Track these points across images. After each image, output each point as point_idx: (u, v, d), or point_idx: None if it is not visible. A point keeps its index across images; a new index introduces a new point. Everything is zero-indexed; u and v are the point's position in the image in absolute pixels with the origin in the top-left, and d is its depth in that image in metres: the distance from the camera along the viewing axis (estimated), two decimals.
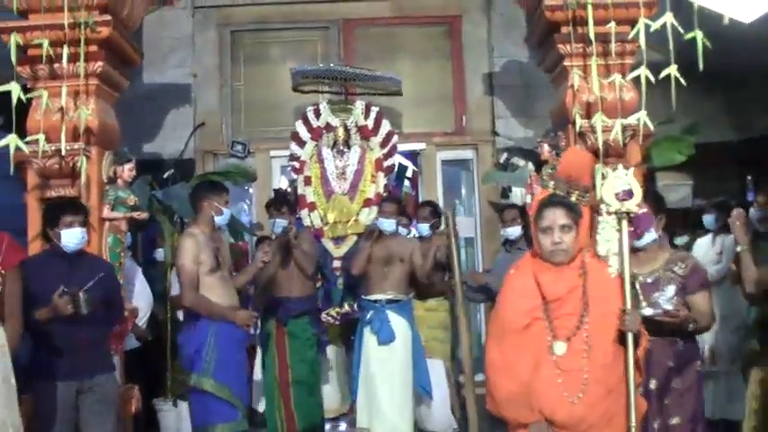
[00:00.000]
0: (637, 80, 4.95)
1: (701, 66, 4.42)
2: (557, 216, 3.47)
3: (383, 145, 8.27)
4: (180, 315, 6.73)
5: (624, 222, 3.60)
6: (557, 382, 3.42)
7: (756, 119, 8.81)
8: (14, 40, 4.92)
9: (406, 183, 9.20)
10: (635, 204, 3.61)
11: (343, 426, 7.62)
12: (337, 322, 7.42)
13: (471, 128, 9.52)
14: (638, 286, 4.28)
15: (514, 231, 6.74)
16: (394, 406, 6.46)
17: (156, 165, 8.59)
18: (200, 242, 5.53)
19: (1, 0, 5.45)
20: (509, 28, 9.22)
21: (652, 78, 4.71)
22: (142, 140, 8.93)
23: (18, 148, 4.91)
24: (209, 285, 5.53)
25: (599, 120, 5.24)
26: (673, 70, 4.61)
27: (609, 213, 3.58)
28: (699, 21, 4.33)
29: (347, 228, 8.08)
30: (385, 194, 8.01)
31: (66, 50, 5.23)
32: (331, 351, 7.56)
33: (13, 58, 5.06)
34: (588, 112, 5.51)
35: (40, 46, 5.24)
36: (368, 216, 7.95)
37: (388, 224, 6.73)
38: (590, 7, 5.17)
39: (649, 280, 4.36)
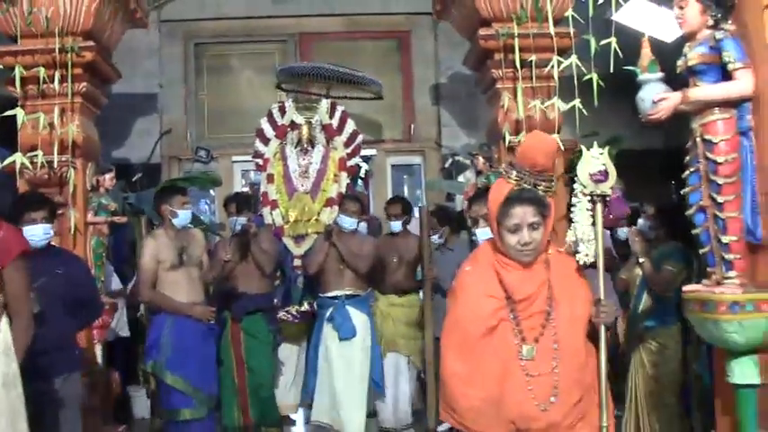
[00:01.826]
0: (568, 95, 5.42)
1: (611, 69, 4.59)
2: (526, 213, 3.05)
3: (347, 144, 8.17)
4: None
5: (599, 206, 3.23)
6: (526, 390, 3.03)
7: (684, 129, 9.49)
8: None
9: (359, 182, 9.19)
10: (609, 187, 3.25)
11: (297, 422, 7.53)
12: (296, 320, 7.13)
13: (419, 135, 10.20)
14: None
15: (438, 238, 7.18)
16: (353, 400, 6.45)
17: (125, 169, 8.88)
18: (161, 242, 5.79)
19: None
20: (454, 43, 9.45)
21: (564, 106, 5.38)
22: (111, 146, 9.24)
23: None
24: (172, 281, 5.77)
25: (523, 138, 5.85)
26: (595, 77, 4.98)
27: (584, 195, 3.22)
28: (630, 32, 4.75)
29: (308, 226, 7.88)
30: (346, 193, 7.86)
31: (57, 74, 5.84)
32: (285, 349, 7.28)
33: None
34: (518, 129, 6.12)
35: (31, 68, 5.87)
36: (329, 215, 7.75)
37: (348, 222, 6.67)
38: (516, 40, 5.85)
39: None
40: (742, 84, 3.53)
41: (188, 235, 5.97)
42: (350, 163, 8.15)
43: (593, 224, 3.23)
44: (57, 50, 5.88)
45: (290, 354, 7.29)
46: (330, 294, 6.64)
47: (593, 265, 3.22)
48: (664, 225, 5.55)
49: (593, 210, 3.24)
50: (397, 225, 7.13)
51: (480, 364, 3.07)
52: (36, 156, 5.75)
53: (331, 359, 6.53)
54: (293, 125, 8.11)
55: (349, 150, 8.15)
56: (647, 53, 3.72)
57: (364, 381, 6.52)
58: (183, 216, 5.85)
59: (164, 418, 6.00)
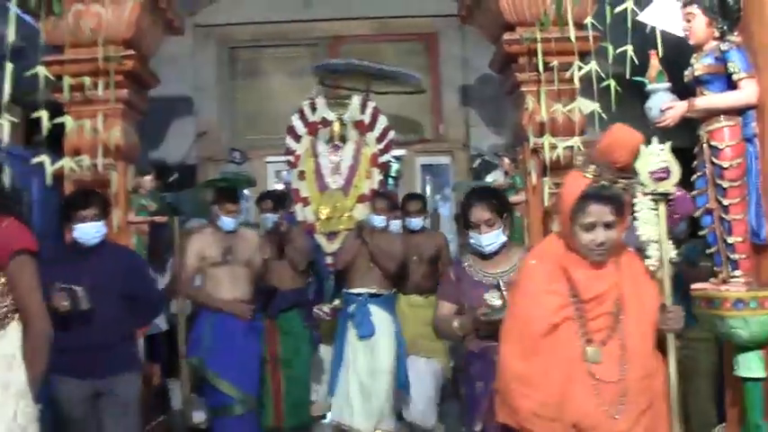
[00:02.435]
0: (591, 96, 5.61)
1: (627, 75, 4.69)
2: (603, 212, 2.91)
3: (379, 140, 8.19)
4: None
5: (662, 205, 3.12)
6: (593, 394, 2.89)
7: None
8: (42, 73, 5.38)
9: (391, 182, 9.08)
10: (672, 185, 3.12)
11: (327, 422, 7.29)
12: (329, 317, 6.95)
13: (447, 136, 10.39)
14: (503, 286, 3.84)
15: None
16: (373, 400, 6.39)
17: (161, 170, 9.01)
18: (206, 239, 6.00)
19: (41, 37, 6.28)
20: (482, 45, 9.64)
21: (586, 109, 5.59)
22: (148, 148, 9.37)
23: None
24: (215, 278, 5.95)
25: (546, 140, 6.13)
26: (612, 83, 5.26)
27: (644, 194, 3.10)
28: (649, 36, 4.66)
29: (340, 223, 7.91)
30: (377, 190, 7.76)
31: (101, 82, 6.13)
32: (323, 349, 7.36)
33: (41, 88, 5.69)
34: (541, 131, 6.32)
35: (76, 76, 6.17)
36: (362, 212, 7.71)
37: (379, 220, 6.62)
38: (539, 44, 6.04)
39: (505, 279, 3.94)
40: (746, 93, 3.75)
41: (236, 235, 6.07)
42: (382, 159, 8.19)
43: (659, 224, 3.09)
44: (100, 59, 6.15)
45: (325, 353, 7.32)
46: (354, 291, 6.63)
47: None
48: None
49: (657, 210, 3.12)
50: (417, 222, 7.06)
51: (542, 364, 2.93)
52: (82, 160, 6.04)
53: (351, 358, 6.51)
54: (324, 121, 8.20)
55: (381, 146, 8.20)
56: (654, 64, 3.94)
57: (384, 382, 6.44)
58: (226, 222, 5.99)
59: (212, 415, 6.12)
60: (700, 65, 3.91)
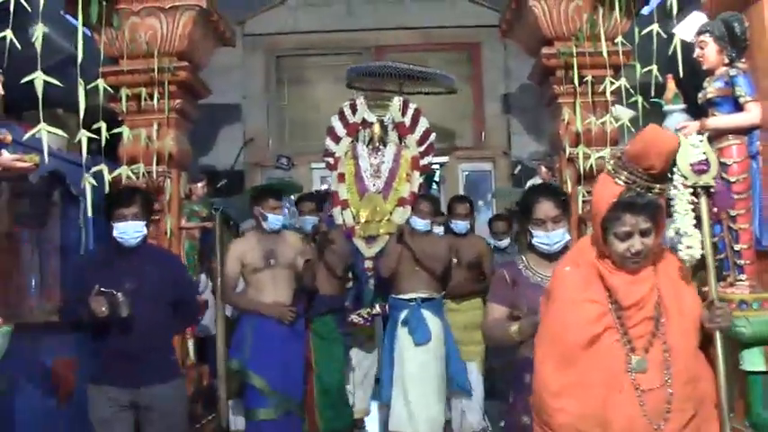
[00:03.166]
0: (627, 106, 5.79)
1: (652, 93, 4.84)
2: (638, 221, 2.74)
3: (420, 143, 7.99)
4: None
5: (704, 199, 2.94)
6: (638, 406, 2.69)
7: None
8: (102, 86, 5.50)
9: (434, 186, 9.25)
10: (712, 177, 2.94)
11: (369, 425, 7.37)
12: (368, 323, 7.00)
13: (489, 143, 10.63)
14: None
15: (503, 242, 7.30)
16: (431, 407, 6.25)
17: (211, 176, 9.24)
18: (247, 245, 5.95)
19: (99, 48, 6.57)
20: (523, 55, 9.85)
21: (623, 117, 5.81)
22: (198, 154, 9.59)
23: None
24: (257, 282, 5.89)
25: (581, 150, 6.35)
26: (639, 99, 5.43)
27: (685, 187, 2.89)
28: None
29: (380, 227, 7.67)
30: (420, 193, 7.53)
31: (156, 92, 6.44)
32: (355, 353, 7.17)
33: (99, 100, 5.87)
34: (577, 141, 6.53)
35: (131, 87, 6.48)
36: (401, 215, 7.51)
37: (422, 224, 6.46)
38: (575, 60, 6.27)
39: None
40: (752, 115, 4.14)
41: (279, 237, 5.99)
42: (423, 162, 7.99)
43: (697, 219, 2.90)
44: (155, 70, 6.44)
45: (362, 359, 7.24)
46: (404, 297, 6.46)
47: None
48: None
49: (698, 203, 2.93)
50: (463, 225, 6.97)
51: (582, 377, 2.75)
52: (138, 167, 6.33)
53: (406, 365, 6.33)
54: (365, 123, 8.03)
55: (422, 149, 7.99)
56: (671, 87, 4.21)
57: (440, 388, 6.34)
58: (273, 220, 5.91)
59: (246, 417, 6.00)
60: (711, 88, 4.31)
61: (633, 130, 5.57)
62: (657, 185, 2.73)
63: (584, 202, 6.35)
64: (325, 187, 8.27)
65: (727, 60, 4.16)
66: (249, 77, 10.77)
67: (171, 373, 4.58)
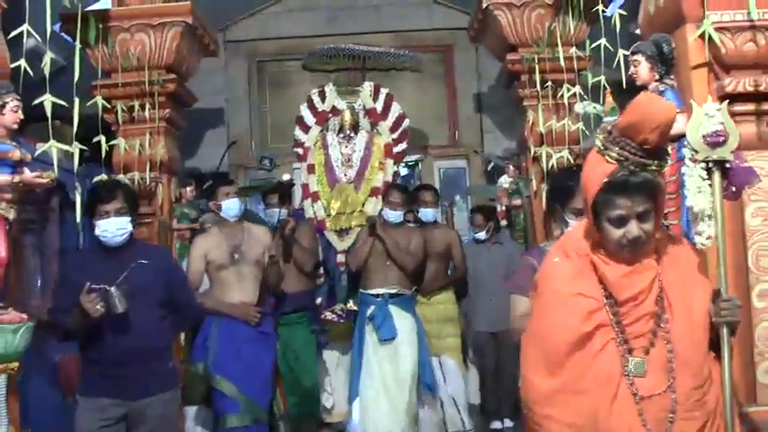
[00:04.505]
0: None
1: (624, 84, 5.08)
2: (633, 203, 2.38)
3: (393, 129, 7.69)
4: None
5: (717, 174, 2.60)
6: (635, 415, 2.38)
7: None
8: (100, 101, 5.89)
9: (406, 170, 9.28)
10: (729, 151, 2.58)
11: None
12: (342, 320, 6.70)
13: (463, 141, 11.02)
14: None
15: (481, 234, 7.22)
16: (396, 406, 6.05)
17: (197, 178, 9.35)
18: (211, 241, 5.60)
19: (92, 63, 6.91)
20: (494, 57, 10.38)
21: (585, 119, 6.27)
22: (184, 157, 9.72)
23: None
24: (222, 280, 5.54)
25: (544, 150, 6.84)
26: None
27: (695, 161, 2.69)
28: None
29: (352, 219, 7.35)
30: (394, 182, 7.31)
31: (147, 103, 6.87)
32: (330, 354, 6.86)
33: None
34: (541, 141, 7.00)
35: (123, 99, 6.89)
36: (374, 206, 7.20)
37: (394, 215, 6.26)
38: (537, 66, 6.76)
39: None
40: (679, 125, 4.57)
41: (244, 232, 5.62)
42: (396, 149, 7.68)
43: (712, 196, 2.61)
44: (146, 83, 6.86)
45: (338, 359, 6.91)
46: (372, 291, 6.25)
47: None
48: None
49: (711, 180, 2.62)
50: (431, 213, 6.77)
51: (572, 381, 2.43)
52: (134, 175, 6.77)
53: (373, 363, 6.14)
54: (335, 111, 7.71)
55: (395, 136, 7.69)
56: (609, 101, 4.67)
57: (409, 386, 6.10)
58: (227, 206, 5.58)
59: (216, 425, 5.63)
60: None
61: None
62: (654, 162, 2.36)
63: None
64: (287, 177, 7.83)
65: (657, 77, 4.61)
66: (232, 82, 11.07)
67: (169, 383, 4.22)
